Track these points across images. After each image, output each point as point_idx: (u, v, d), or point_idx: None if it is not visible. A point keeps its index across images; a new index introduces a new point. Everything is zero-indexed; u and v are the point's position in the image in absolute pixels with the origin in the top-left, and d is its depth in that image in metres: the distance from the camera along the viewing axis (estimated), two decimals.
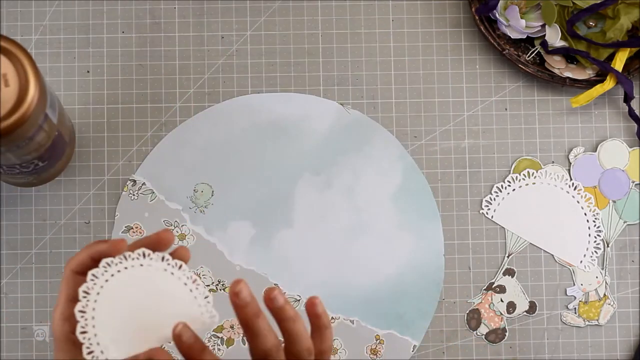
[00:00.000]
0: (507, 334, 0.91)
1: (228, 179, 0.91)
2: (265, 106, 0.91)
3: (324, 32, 0.93)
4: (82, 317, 0.63)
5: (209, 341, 0.90)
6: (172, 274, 0.66)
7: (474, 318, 0.91)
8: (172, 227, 0.90)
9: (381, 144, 0.92)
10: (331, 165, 0.91)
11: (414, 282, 0.79)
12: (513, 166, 0.92)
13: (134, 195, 0.91)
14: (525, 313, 0.91)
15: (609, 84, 0.90)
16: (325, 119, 0.92)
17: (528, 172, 0.92)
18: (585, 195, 0.92)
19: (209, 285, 0.90)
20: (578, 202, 0.91)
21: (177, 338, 0.65)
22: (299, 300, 0.90)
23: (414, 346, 0.90)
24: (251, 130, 0.91)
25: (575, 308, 0.91)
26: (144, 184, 0.91)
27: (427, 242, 0.91)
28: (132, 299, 0.65)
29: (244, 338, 0.90)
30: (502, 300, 0.91)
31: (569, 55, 0.92)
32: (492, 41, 0.91)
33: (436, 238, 0.91)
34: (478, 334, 0.91)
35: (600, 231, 0.91)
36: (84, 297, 0.64)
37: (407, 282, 0.90)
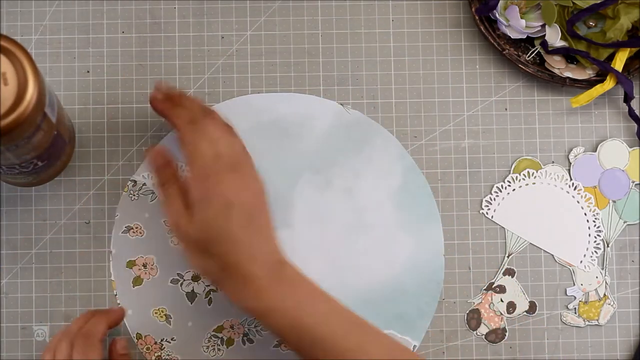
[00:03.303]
0: (507, 334, 0.91)
1: None
2: (265, 106, 0.91)
3: (324, 32, 0.93)
4: None
5: (209, 341, 0.89)
6: None
7: (474, 318, 0.91)
8: None
9: (381, 144, 0.91)
10: (331, 165, 0.91)
11: (414, 282, 0.79)
12: (513, 166, 0.92)
13: (134, 195, 0.91)
14: (525, 313, 0.91)
15: (609, 84, 0.90)
16: (325, 119, 0.92)
17: (528, 172, 0.92)
18: (585, 195, 0.91)
19: (208, 285, 0.90)
20: (578, 202, 0.91)
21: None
22: None
23: (414, 346, 0.90)
24: (251, 130, 0.91)
25: (575, 308, 0.91)
26: (144, 184, 0.91)
27: (427, 242, 0.91)
28: None
29: (244, 338, 0.89)
30: (502, 300, 0.91)
31: (569, 55, 0.92)
32: (492, 41, 0.91)
33: (436, 238, 0.91)
34: (478, 334, 0.91)
35: (600, 231, 0.91)
36: None
37: (407, 282, 0.90)
